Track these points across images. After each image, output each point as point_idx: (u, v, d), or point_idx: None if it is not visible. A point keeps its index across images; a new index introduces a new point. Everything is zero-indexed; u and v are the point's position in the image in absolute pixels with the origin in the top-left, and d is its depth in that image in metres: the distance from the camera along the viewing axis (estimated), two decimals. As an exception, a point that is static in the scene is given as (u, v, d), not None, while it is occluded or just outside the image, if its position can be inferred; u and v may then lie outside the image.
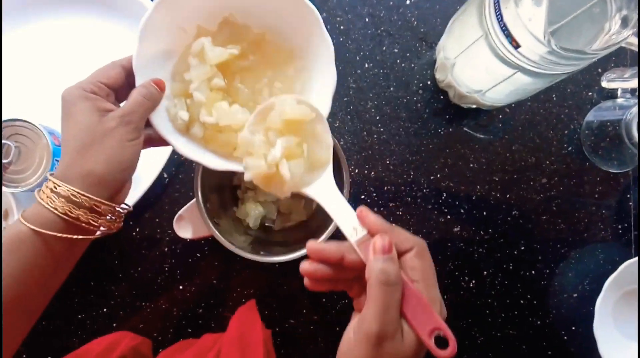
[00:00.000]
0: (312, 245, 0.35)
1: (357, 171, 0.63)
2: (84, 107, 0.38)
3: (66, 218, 0.37)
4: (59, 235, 0.37)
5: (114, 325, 0.61)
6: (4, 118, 0.53)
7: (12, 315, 0.37)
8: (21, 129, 0.54)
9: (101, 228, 0.40)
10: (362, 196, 0.63)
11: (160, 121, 0.42)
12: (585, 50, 0.39)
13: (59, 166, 0.38)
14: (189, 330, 0.61)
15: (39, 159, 0.54)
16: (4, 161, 0.53)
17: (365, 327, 0.31)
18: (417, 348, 0.32)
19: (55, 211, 0.36)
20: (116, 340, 0.52)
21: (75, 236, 0.38)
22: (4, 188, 0.53)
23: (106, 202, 0.38)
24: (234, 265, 0.62)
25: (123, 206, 0.41)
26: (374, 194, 0.63)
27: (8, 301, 0.36)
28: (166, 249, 0.62)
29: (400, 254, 0.34)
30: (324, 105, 0.43)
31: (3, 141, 0.53)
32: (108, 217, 0.40)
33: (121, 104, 0.41)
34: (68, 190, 0.37)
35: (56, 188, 0.37)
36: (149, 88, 0.41)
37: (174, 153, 0.60)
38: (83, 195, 0.37)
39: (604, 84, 0.56)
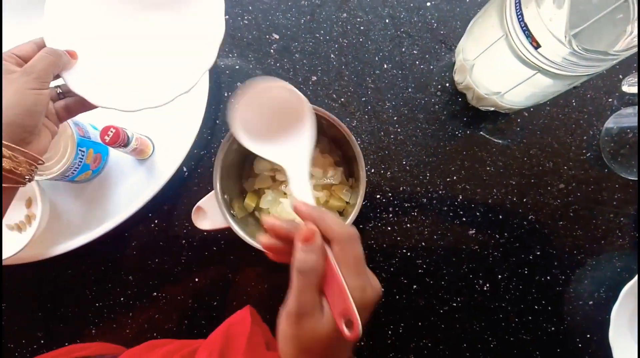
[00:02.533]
0: (268, 219, 0.37)
1: (373, 170, 0.63)
2: None
3: None
4: None
5: (130, 314, 0.62)
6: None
7: None
8: (48, 120, 0.56)
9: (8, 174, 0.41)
10: (378, 196, 0.63)
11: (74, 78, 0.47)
12: (608, 51, 0.39)
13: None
14: (203, 321, 0.62)
15: (63, 148, 0.56)
16: (30, 149, 0.54)
17: (287, 307, 0.35)
18: (334, 326, 0.33)
19: None
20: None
21: None
22: (29, 176, 0.55)
23: (8, 144, 0.40)
24: (249, 259, 0.62)
25: (26, 152, 0.42)
26: (390, 194, 0.63)
27: None
28: (183, 241, 0.63)
29: (329, 241, 0.36)
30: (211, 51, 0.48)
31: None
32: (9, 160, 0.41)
33: None
34: None
35: None
36: (55, 49, 0.45)
37: (194, 147, 0.61)
38: None
39: (625, 88, 0.56)
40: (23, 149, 0.42)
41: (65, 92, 0.48)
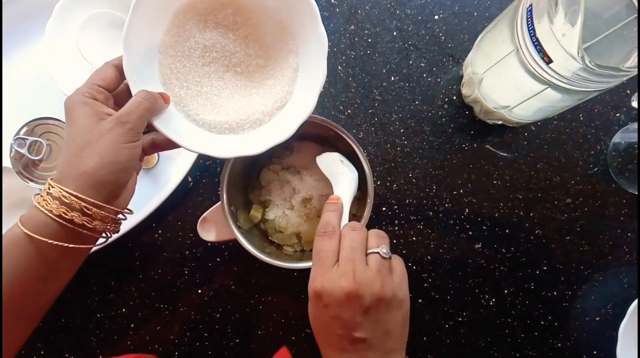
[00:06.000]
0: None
1: (379, 182, 0.63)
2: (83, 113, 0.38)
3: (60, 220, 0.36)
4: (50, 241, 0.36)
5: (132, 325, 0.61)
6: (37, 116, 0.55)
7: (6, 317, 0.37)
8: (53, 128, 0.55)
9: (96, 234, 0.39)
10: (384, 208, 0.63)
11: (165, 124, 0.43)
12: (620, 67, 0.39)
13: (57, 169, 0.39)
14: (205, 333, 0.61)
15: (68, 157, 0.55)
16: (35, 157, 0.54)
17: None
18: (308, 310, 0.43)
19: (50, 215, 0.36)
20: None
21: (67, 245, 0.37)
22: (33, 184, 0.55)
23: (97, 202, 0.37)
24: (253, 272, 0.62)
25: (118, 210, 0.40)
26: (395, 207, 0.63)
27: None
28: (187, 252, 0.62)
29: None
30: (311, 99, 0.45)
31: (36, 139, 0.54)
32: (100, 221, 0.39)
33: None
34: (60, 191, 0.36)
35: (50, 190, 0.37)
36: (151, 92, 0.41)
37: (200, 157, 0.61)
38: (73, 195, 0.36)
39: (634, 104, 0.55)
40: (111, 207, 0.39)
41: (149, 125, 0.43)
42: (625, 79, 0.42)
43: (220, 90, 0.47)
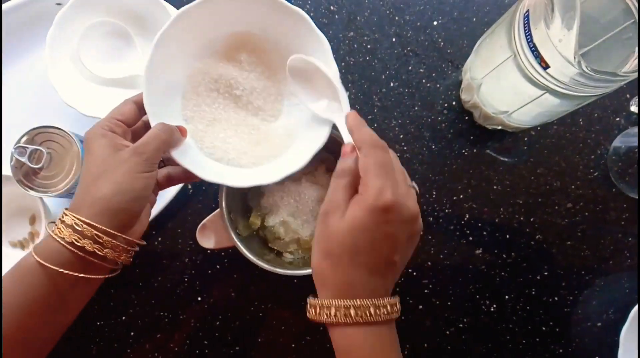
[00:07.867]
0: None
1: (379, 189, 0.63)
2: (101, 144, 0.40)
3: (72, 248, 0.37)
4: (61, 270, 0.36)
5: (132, 333, 0.61)
6: (38, 125, 0.55)
7: (13, 348, 0.36)
8: (54, 136, 0.56)
9: (107, 264, 0.39)
10: (384, 214, 0.62)
11: (182, 155, 0.44)
12: (617, 72, 0.39)
13: (72, 198, 0.39)
14: (205, 342, 0.61)
15: (69, 165, 0.55)
16: (36, 166, 0.54)
17: (320, 210, 0.38)
18: (352, 225, 0.36)
19: (62, 242, 0.37)
20: None
21: (77, 274, 0.37)
22: (33, 193, 0.55)
23: (108, 230, 0.37)
24: (253, 279, 0.62)
25: (130, 240, 0.40)
26: (396, 212, 0.63)
27: (9, 332, 0.36)
28: (187, 260, 0.62)
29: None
30: (322, 132, 0.47)
31: (36, 147, 0.54)
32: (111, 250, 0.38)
33: None
34: (72, 219, 0.37)
35: (63, 218, 0.37)
36: (168, 125, 0.42)
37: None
38: (85, 222, 0.37)
39: (633, 108, 0.56)
40: (123, 236, 0.39)
41: (165, 160, 0.45)
42: (623, 83, 0.42)
43: (236, 126, 0.49)
